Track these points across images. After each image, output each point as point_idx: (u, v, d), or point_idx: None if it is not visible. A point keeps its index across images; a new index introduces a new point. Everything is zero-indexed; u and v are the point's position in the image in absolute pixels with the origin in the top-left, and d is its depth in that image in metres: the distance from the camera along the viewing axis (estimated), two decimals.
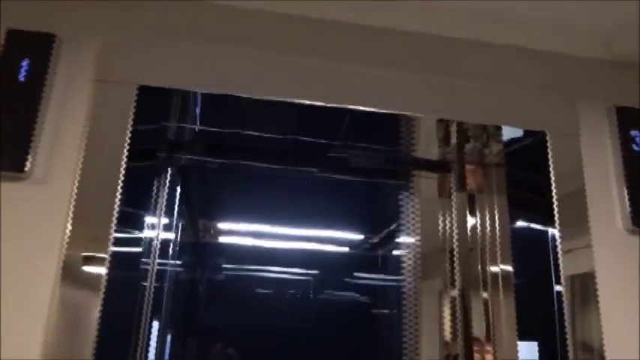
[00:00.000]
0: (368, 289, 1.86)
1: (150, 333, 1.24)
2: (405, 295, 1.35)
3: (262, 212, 1.87)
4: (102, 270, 0.93)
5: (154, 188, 1.14)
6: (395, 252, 1.77)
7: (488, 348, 1.19)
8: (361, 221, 1.93)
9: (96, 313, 0.91)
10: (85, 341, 0.89)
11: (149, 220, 1.16)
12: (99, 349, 0.90)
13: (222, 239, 1.96)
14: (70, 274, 0.92)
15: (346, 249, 2.00)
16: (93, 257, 0.93)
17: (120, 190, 0.97)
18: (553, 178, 1.09)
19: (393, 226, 1.65)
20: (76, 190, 0.95)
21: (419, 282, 1.33)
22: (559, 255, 1.04)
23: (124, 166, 0.98)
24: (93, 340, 0.90)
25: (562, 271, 1.04)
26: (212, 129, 1.38)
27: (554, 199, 1.08)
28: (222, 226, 1.95)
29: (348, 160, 1.44)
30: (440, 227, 1.34)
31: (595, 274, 1.04)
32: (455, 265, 1.29)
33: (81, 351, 0.89)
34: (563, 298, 1.02)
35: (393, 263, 1.89)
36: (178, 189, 1.60)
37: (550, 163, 1.10)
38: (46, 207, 0.95)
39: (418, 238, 1.36)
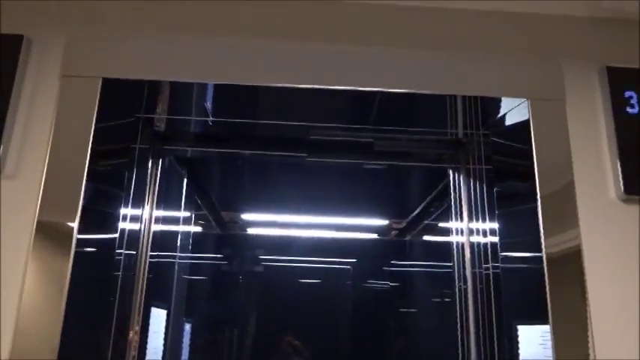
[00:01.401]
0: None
1: (147, 324, 1.26)
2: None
3: (285, 202, 1.87)
4: (67, 262, 0.95)
5: (133, 179, 1.15)
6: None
7: None
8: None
9: (62, 303, 0.94)
10: (51, 335, 0.92)
11: (134, 212, 1.18)
12: (69, 340, 0.94)
13: (240, 230, 1.98)
14: (39, 267, 0.95)
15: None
16: (59, 249, 0.96)
17: (84, 181, 0.99)
18: (535, 147, 1.03)
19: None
20: (43, 184, 0.98)
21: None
22: (540, 230, 0.98)
23: (89, 156, 1.00)
24: (58, 334, 0.92)
25: (543, 247, 0.97)
26: (224, 119, 1.38)
27: (535, 170, 1.01)
28: (245, 217, 1.97)
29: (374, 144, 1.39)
30: None
31: (582, 247, 0.97)
32: None
33: (46, 348, 0.92)
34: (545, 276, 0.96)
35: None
36: (185, 181, 1.63)
37: (531, 132, 1.03)
38: (17, 201, 0.98)
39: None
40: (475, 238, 1.23)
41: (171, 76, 1.09)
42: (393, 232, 2.00)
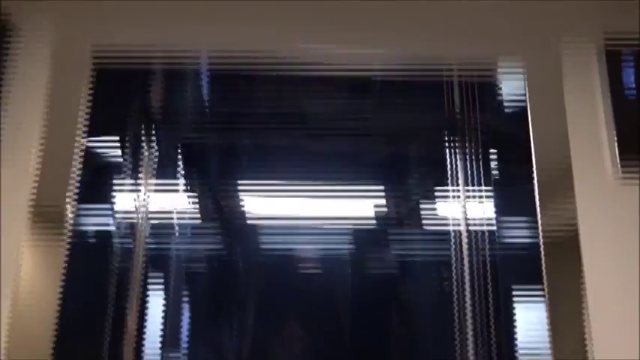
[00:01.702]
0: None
1: (144, 313, 1.26)
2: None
3: (283, 187, 1.86)
4: (63, 252, 0.95)
5: (129, 166, 1.15)
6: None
7: None
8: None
9: (57, 292, 0.94)
10: (47, 323, 0.92)
11: (130, 199, 1.17)
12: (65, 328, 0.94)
13: (239, 217, 1.97)
14: (34, 255, 0.94)
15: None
16: (54, 238, 0.96)
17: (79, 170, 0.99)
18: (532, 128, 1.02)
19: None
20: (37, 171, 0.97)
21: None
22: (537, 212, 0.97)
23: (80, 145, 1.00)
24: (54, 322, 0.92)
25: (540, 228, 0.97)
26: (220, 104, 1.37)
27: (532, 151, 1.01)
28: (244, 203, 1.96)
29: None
30: None
31: (579, 227, 0.96)
32: None
33: (41, 335, 0.92)
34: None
35: None
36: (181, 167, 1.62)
37: (528, 113, 1.03)
38: (11, 188, 0.97)
39: None
40: (472, 217, 1.23)
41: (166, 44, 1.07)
42: (391, 218, 2.00)
